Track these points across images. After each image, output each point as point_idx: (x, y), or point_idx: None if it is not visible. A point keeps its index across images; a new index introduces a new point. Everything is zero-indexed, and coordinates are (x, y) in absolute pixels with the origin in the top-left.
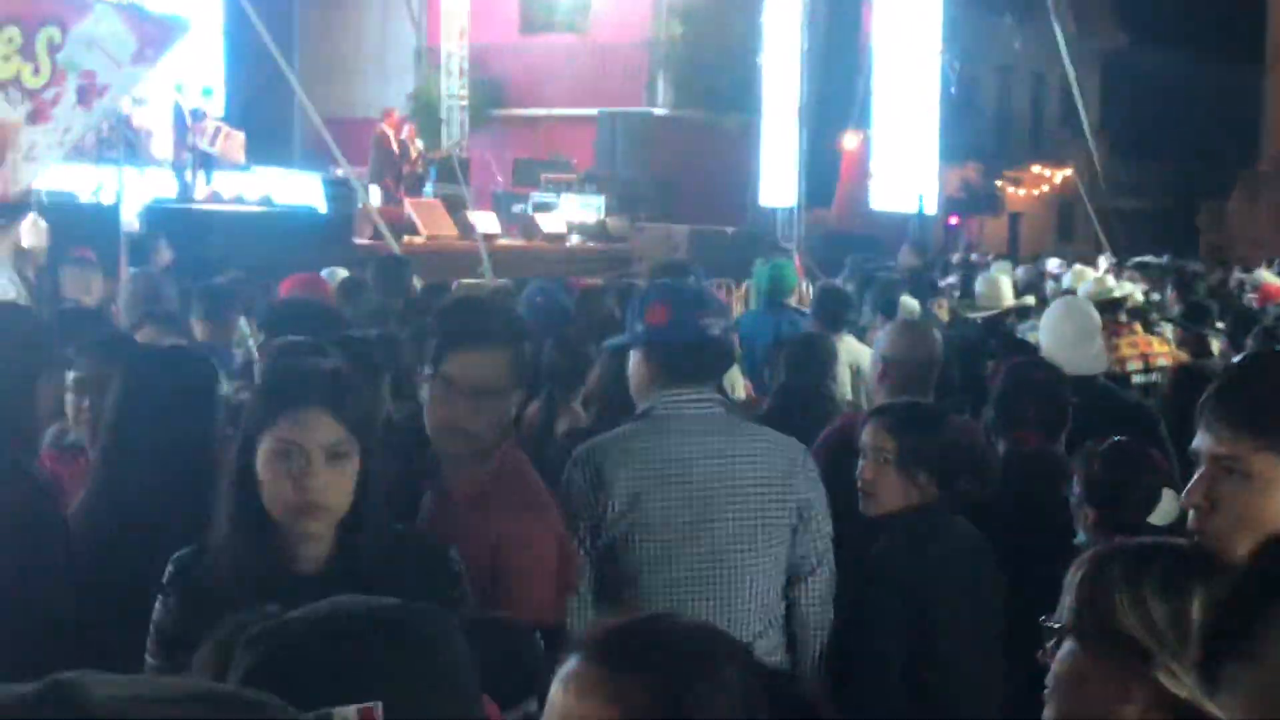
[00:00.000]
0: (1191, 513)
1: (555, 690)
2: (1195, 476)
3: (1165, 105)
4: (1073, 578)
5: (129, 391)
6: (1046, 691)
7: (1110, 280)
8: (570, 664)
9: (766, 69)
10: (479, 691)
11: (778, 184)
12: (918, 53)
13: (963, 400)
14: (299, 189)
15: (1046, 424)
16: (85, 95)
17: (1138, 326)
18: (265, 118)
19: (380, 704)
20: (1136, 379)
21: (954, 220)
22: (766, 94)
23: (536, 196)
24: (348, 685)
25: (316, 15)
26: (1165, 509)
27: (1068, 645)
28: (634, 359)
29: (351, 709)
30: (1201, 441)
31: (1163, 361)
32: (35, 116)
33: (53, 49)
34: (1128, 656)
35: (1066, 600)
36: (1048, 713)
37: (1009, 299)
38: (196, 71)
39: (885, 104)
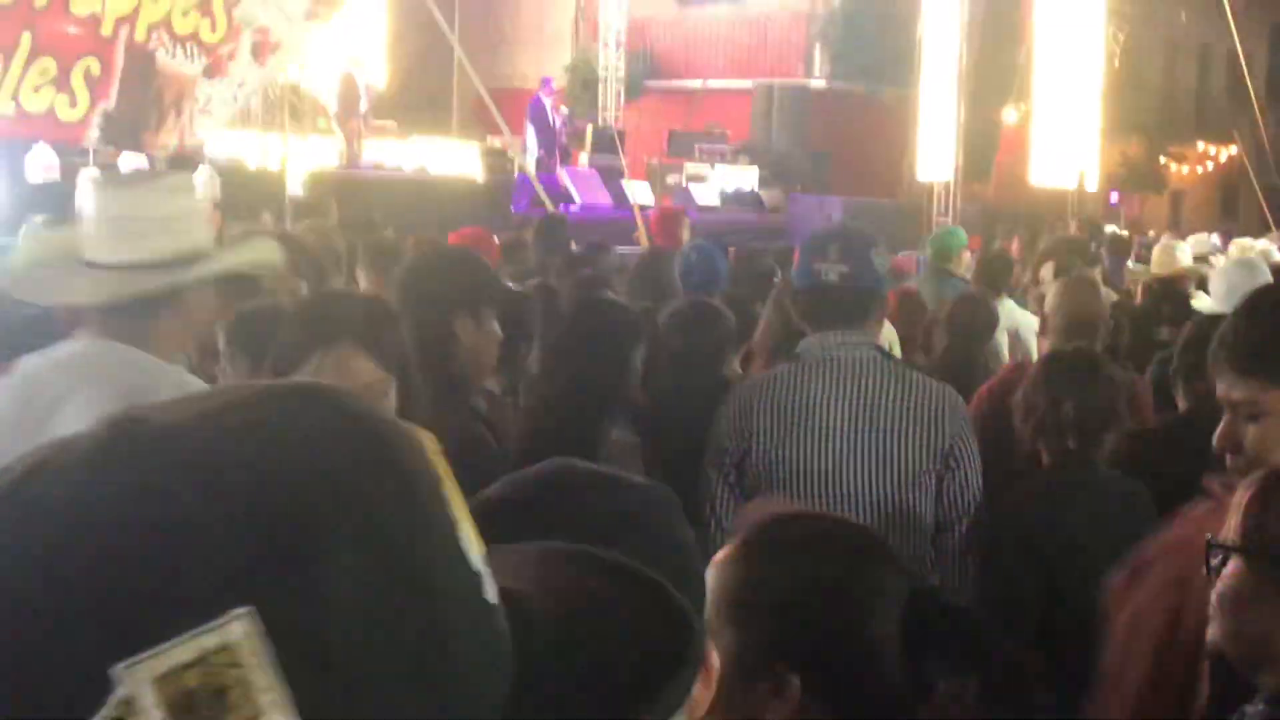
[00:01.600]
0: (1226, 456)
1: (709, 575)
2: (1223, 421)
3: None
4: (1240, 497)
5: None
6: (1211, 610)
7: (1272, 248)
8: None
9: (926, 41)
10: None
11: (935, 158)
12: (1081, 25)
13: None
14: (456, 158)
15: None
16: (259, 51)
17: None
18: (424, 88)
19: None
20: None
21: (1115, 197)
22: (925, 66)
23: (691, 168)
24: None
25: None
26: None
27: (1234, 564)
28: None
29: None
30: (1219, 388)
31: None
32: (211, 71)
33: (229, 5)
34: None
35: (1233, 520)
36: (1212, 631)
37: (1186, 263)
38: (361, 43)
39: (1046, 77)
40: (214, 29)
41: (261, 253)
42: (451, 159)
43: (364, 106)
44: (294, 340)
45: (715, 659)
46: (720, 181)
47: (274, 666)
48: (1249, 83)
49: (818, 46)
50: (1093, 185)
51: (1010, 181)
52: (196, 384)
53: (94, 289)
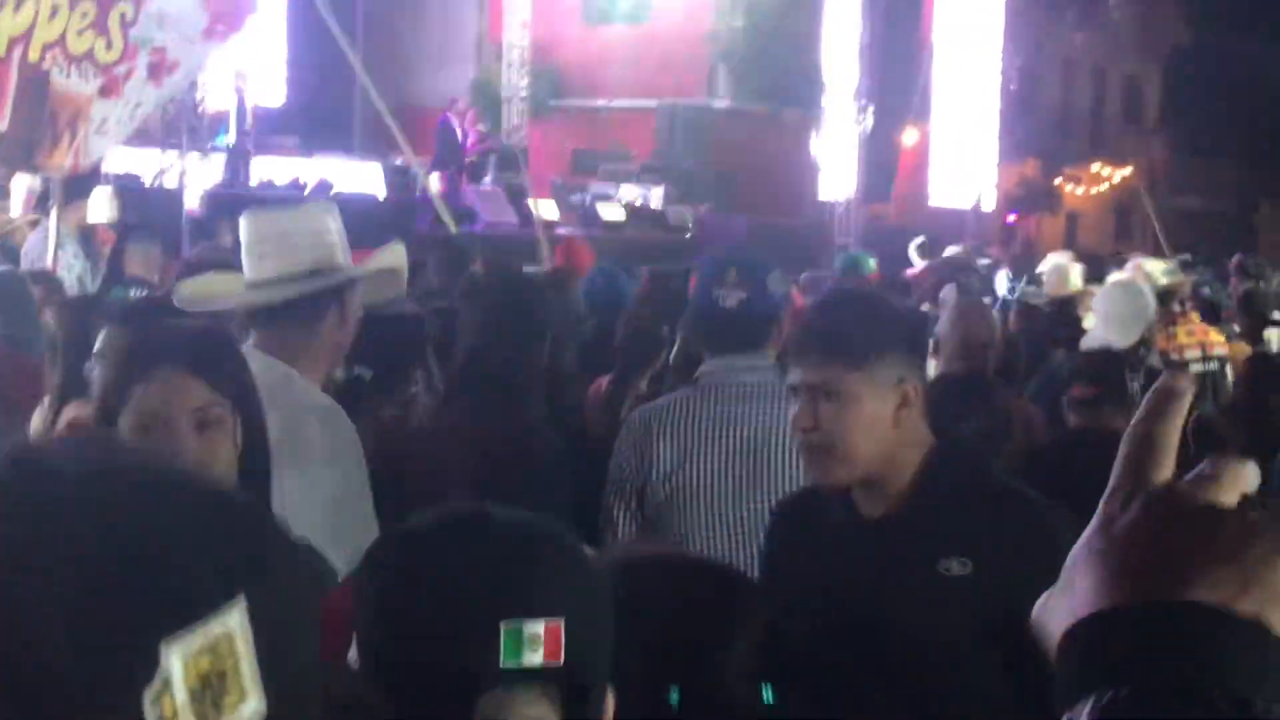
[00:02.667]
0: (800, 436)
1: None
2: (799, 405)
3: (1228, 103)
4: None
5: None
6: None
7: (1158, 270)
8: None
9: (827, 63)
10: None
11: (837, 178)
12: (978, 47)
13: (1025, 385)
14: (357, 177)
15: (1108, 396)
16: (156, 71)
17: (1194, 315)
18: (325, 106)
19: (563, 621)
20: (1194, 367)
21: (1012, 218)
22: (827, 88)
23: (596, 186)
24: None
25: (378, 5)
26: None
27: None
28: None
29: (540, 624)
30: (795, 376)
31: (1219, 351)
32: (106, 91)
33: (125, 24)
34: None
35: None
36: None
37: (1077, 285)
38: (258, 58)
39: (945, 99)
40: (109, 48)
41: (397, 257)
42: (354, 177)
43: (247, 124)
44: (119, 370)
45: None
46: (625, 200)
47: (254, 652)
48: (1143, 107)
49: (721, 67)
50: (990, 205)
51: (911, 202)
52: (327, 400)
53: (268, 295)
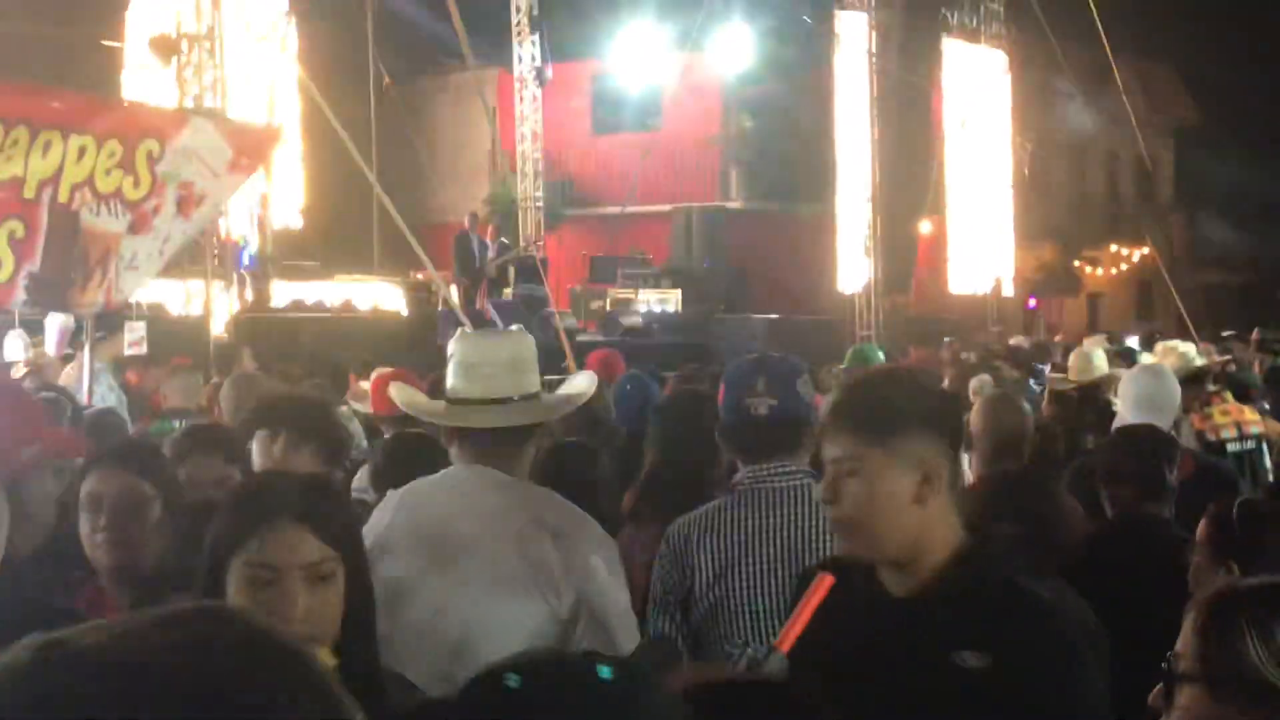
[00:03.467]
0: (825, 510)
1: None
2: (824, 479)
3: (1240, 178)
4: (1195, 619)
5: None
6: None
7: (1191, 351)
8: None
9: (839, 158)
10: None
11: (854, 271)
12: (989, 135)
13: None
14: (378, 295)
15: (1146, 484)
16: (184, 205)
17: (1228, 395)
18: (345, 227)
19: None
20: (1231, 447)
21: (1033, 302)
22: (840, 183)
23: (614, 293)
24: None
25: (392, 124)
26: None
27: (1190, 690)
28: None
29: None
30: (824, 451)
31: (1255, 429)
32: (136, 227)
33: (152, 161)
34: (1258, 697)
35: (1186, 644)
36: None
37: (1103, 370)
38: (277, 182)
39: (959, 188)
40: (137, 185)
41: (586, 384)
42: (375, 295)
43: (269, 248)
44: (233, 521)
45: None
46: (645, 305)
47: None
48: (1156, 185)
49: (732, 168)
50: (1009, 291)
51: (930, 291)
52: (557, 498)
53: (507, 416)
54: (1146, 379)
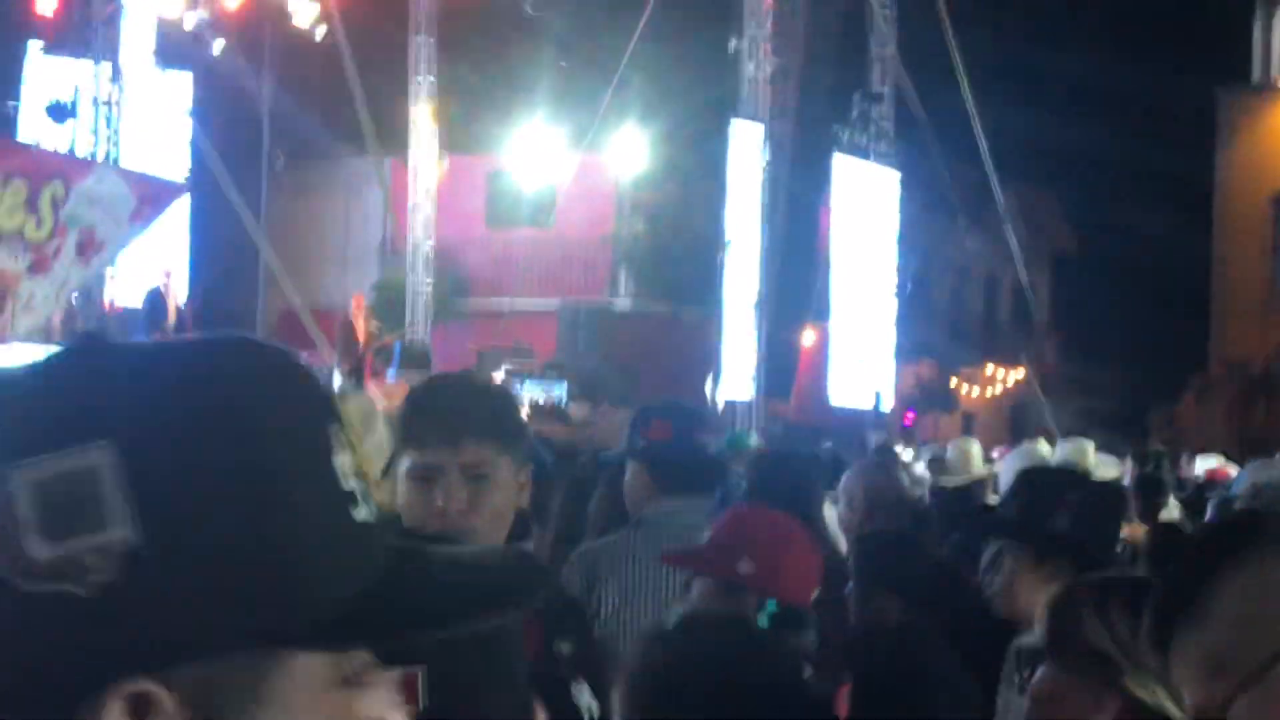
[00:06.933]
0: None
1: None
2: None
3: (1115, 305)
4: (1046, 608)
5: None
6: (1026, 711)
7: (1092, 457)
8: None
9: (727, 264)
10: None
11: (737, 376)
12: (874, 251)
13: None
14: None
15: None
16: (84, 250)
17: None
18: (227, 307)
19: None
20: None
21: (910, 417)
22: (727, 288)
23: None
24: None
25: (283, 207)
26: None
27: (1044, 668)
28: (632, 471)
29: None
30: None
31: (1122, 534)
32: (36, 268)
33: (56, 204)
34: (1099, 670)
35: (1040, 628)
36: None
37: (979, 467)
38: (164, 259)
39: (843, 301)
40: (39, 227)
41: None
42: None
43: (167, 322)
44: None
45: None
46: (528, 398)
47: (125, 490)
48: (1033, 310)
49: (622, 268)
50: (889, 405)
51: (810, 400)
52: None
53: None
54: (1030, 450)
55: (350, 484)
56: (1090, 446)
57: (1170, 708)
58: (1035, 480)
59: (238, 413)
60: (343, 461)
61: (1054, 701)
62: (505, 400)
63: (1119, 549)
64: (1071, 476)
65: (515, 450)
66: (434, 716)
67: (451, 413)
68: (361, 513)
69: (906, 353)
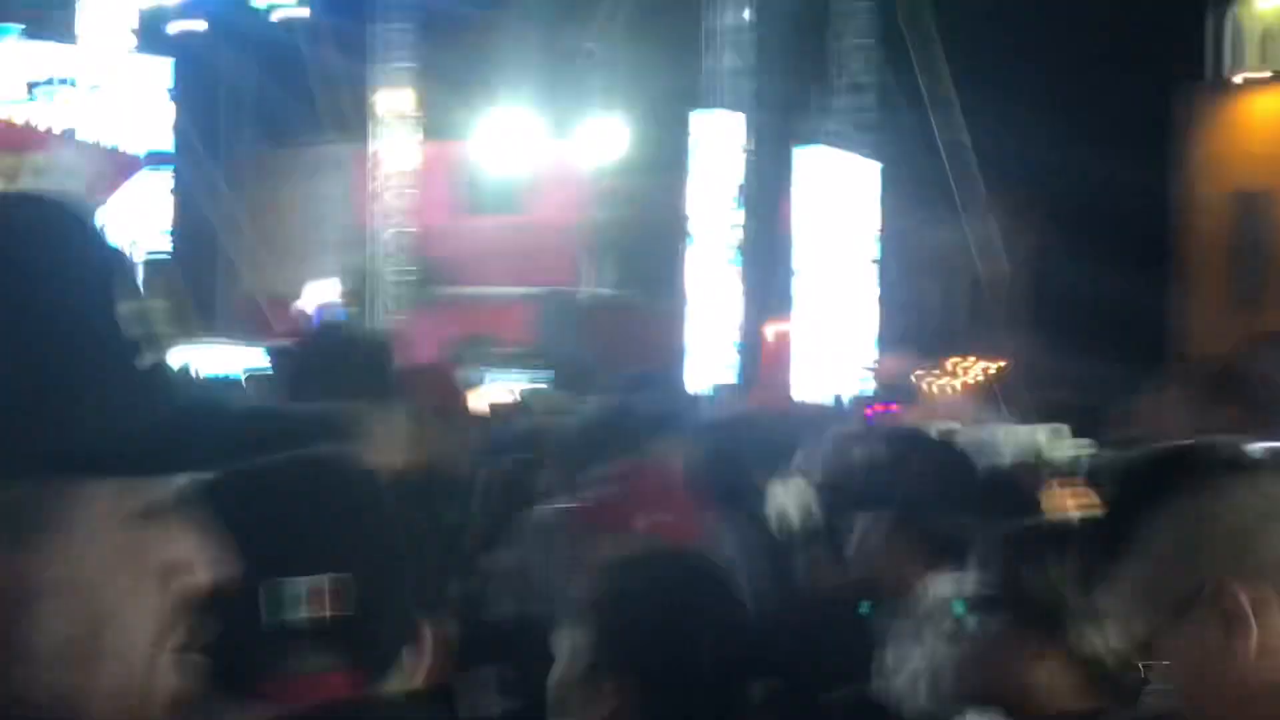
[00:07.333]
0: None
1: None
2: None
3: (1080, 300)
4: (979, 557)
5: None
6: (961, 659)
7: (1044, 439)
8: None
9: (695, 255)
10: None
11: (706, 365)
12: (845, 243)
13: None
14: (223, 363)
15: None
16: None
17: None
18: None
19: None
20: None
21: (872, 410)
22: (693, 279)
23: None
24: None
25: (259, 192)
26: None
27: (983, 616)
28: None
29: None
30: None
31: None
32: None
33: (6, 175)
34: (1037, 620)
35: (977, 577)
36: (967, 683)
37: None
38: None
39: (812, 293)
40: None
41: None
42: (219, 364)
43: None
44: None
45: (428, 633)
46: (503, 386)
47: None
48: (1001, 305)
49: (594, 256)
50: (851, 398)
51: (775, 393)
52: None
53: None
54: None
55: (135, 331)
56: (1043, 429)
57: (1106, 654)
58: (890, 447)
59: (10, 258)
60: (132, 310)
61: (992, 652)
62: None
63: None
64: (919, 440)
65: None
66: (353, 622)
67: None
68: (147, 359)
69: (871, 346)
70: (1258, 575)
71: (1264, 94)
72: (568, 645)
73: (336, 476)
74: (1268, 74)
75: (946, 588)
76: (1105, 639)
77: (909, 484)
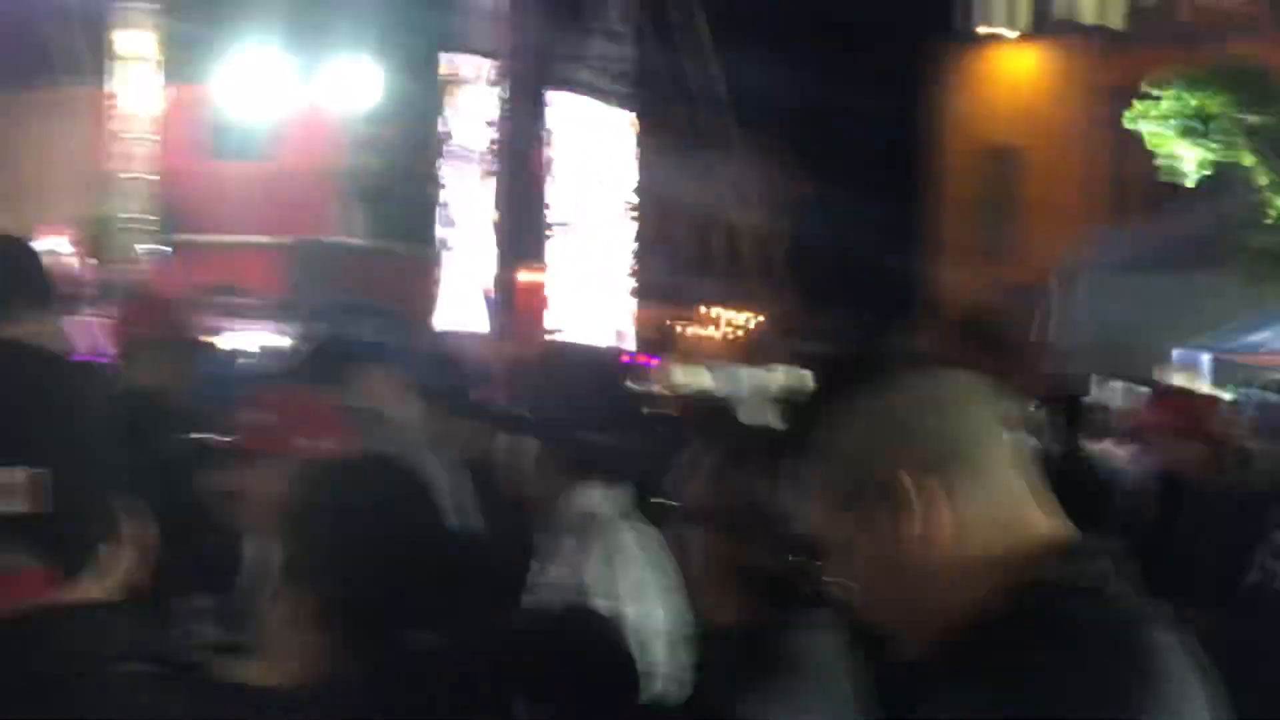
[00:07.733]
0: None
1: None
2: None
3: (837, 251)
4: (684, 473)
5: None
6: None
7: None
8: None
9: (449, 200)
10: None
11: (464, 313)
12: (602, 194)
13: None
14: None
15: None
16: None
17: None
18: None
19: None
20: None
21: (636, 359)
22: (449, 226)
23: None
24: None
25: None
26: None
27: (690, 530)
28: None
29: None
30: None
31: None
32: None
33: None
34: (729, 531)
35: (683, 492)
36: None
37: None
38: None
39: (569, 241)
40: None
41: None
42: None
43: None
44: None
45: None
46: (250, 338)
47: None
48: (769, 255)
49: (349, 203)
50: (630, 348)
51: (532, 341)
52: None
53: None
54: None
55: None
56: (783, 372)
57: (803, 561)
58: (546, 376)
59: None
60: None
61: (695, 555)
62: None
63: None
64: (571, 367)
65: None
66: (46, 519)
67: None
68: None
69: (633, 294)
70: (923, 464)
71: (1013, 51)
72: (259, 559)
73: (27, 367)
74: (1015, 33)
75: (593, 502)
76: (791, 544)
77: (555, 408)
